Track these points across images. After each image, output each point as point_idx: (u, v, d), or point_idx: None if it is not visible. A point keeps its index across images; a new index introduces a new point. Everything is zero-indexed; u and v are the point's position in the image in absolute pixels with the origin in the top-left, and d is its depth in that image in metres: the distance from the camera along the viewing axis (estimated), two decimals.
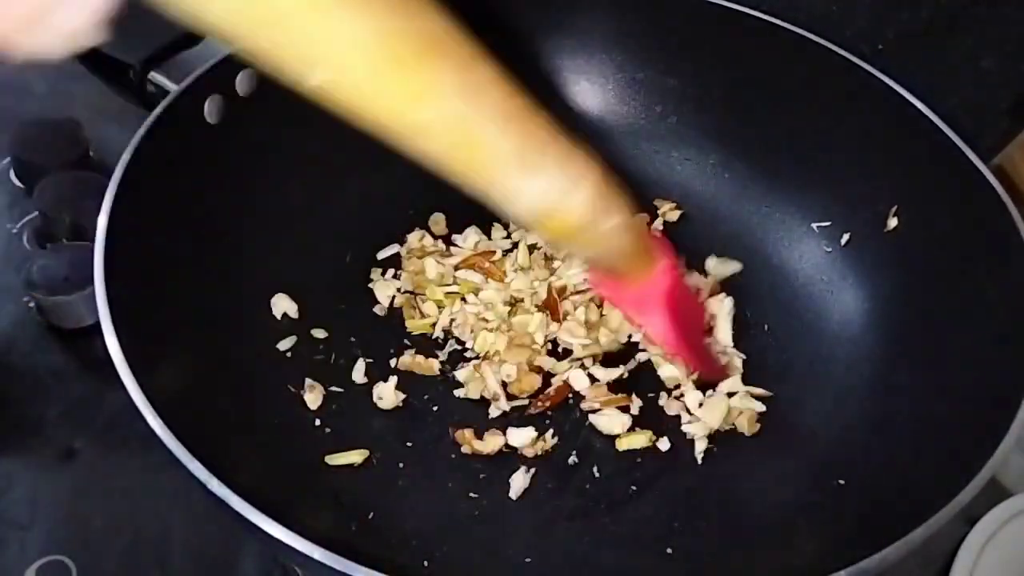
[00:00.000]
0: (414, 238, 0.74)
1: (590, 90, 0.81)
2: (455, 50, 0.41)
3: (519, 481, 0.61)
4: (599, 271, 0.59)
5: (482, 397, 0.65)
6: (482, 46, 0.42)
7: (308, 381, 0.64)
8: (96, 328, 0.68)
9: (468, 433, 0.62)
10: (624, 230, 0.51)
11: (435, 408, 0.65)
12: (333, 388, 0.65)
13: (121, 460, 0.65)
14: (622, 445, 0.63)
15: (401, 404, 0.65)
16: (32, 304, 0.71)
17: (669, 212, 0.78)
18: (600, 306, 0.69)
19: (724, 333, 0.70)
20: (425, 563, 0.57)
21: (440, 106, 0.41)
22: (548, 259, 0.72)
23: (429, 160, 0.44)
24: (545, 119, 0.45)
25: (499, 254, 0.72)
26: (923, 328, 0.65)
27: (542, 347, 0.68)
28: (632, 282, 0.57)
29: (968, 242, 0.65)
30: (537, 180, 0.45)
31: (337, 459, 0.61)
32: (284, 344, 0.66)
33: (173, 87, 0.65)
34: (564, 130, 0.47)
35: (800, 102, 0.75)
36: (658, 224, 0.77)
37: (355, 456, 0.61)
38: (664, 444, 0.64)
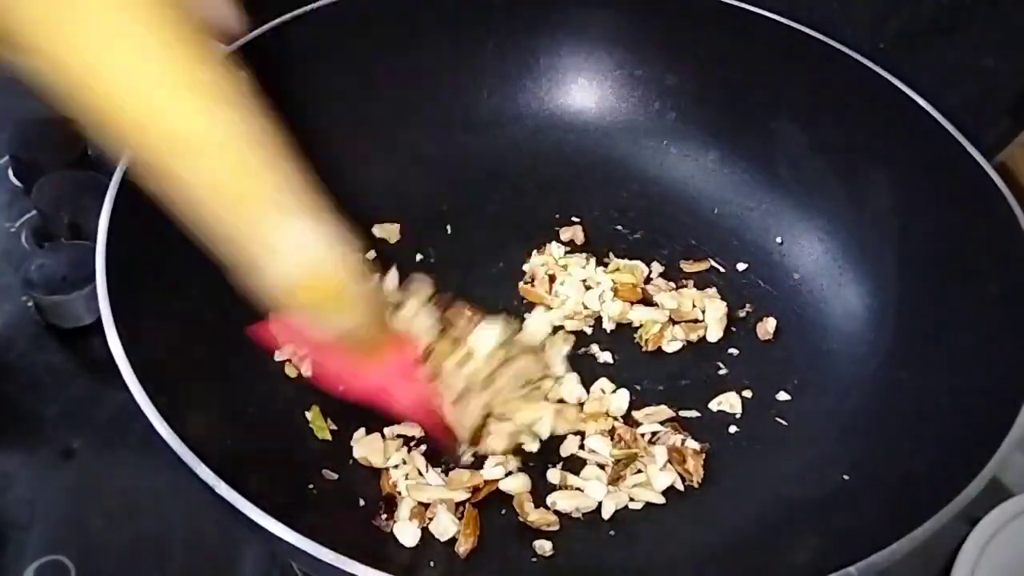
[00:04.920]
0: None
1: (588, 87, 0.81)
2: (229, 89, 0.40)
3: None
4: (334, 354, 0.55)
5: None
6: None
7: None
8: (95, 327, 0.69)
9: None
10: (374, 295, 0.50)
11: None
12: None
13: (120, 460, 0.65)
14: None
15: None
16: (31, 303, 0.71)
17: None
18: None
19: (714, 335, 0.70)
20: (432, 564, 0.57)
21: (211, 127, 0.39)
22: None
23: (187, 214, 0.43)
24: (306, 178, 0.43)
25: None
26: (924, 326, 0.65)
27: None
28: (372, 358, 0.54)
29: (970, 239, 0.65)
30: (298, 231, 0.43)
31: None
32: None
33: None
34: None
35: (800, 99, 0.75)
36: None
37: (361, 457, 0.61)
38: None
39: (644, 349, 0.69)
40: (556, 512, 0.59)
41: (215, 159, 0.40)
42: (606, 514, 0.60)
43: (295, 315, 0.48)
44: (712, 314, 0.70)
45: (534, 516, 0.59)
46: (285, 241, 0.42)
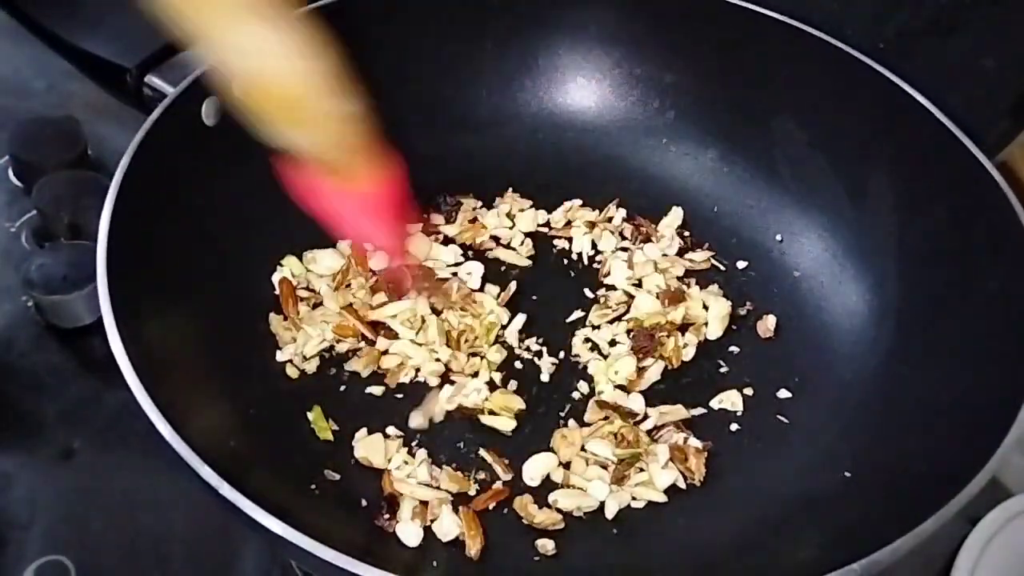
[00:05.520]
0: None
1: (587, 86, 0.81)
2: None
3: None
4: (308, 167, 0.53)
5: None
6: None
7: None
8: (95, 327, 0.69)
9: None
10: (347, 120, 0.48)
11: None
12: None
13: (120, 460, 0.65)
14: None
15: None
16: (30, 303, 0.71)
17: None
18: None
19: (714, 333, 0.70)
20: (435, 563, 0.57)
21: None
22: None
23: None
24: None
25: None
26: (925, 324, 0.65)
27: None
28: (343, 183, 0.52)
29: (971, 237, 0.65)
30: (266, 29, 0.43)
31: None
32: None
33: (170, 90, 0.65)
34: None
35: (800, 97, 0.75)
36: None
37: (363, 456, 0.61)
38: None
39: (671, 368, 0.68)
40: (558, 510, 0.60)
41: None
42: (609, 514, 0.60)
43: (258, 120, 0.48)
44: (715, 312, 0.70)
45: (540, 517, 0.59)
46: (250, 42, 0.42)
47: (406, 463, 0.61)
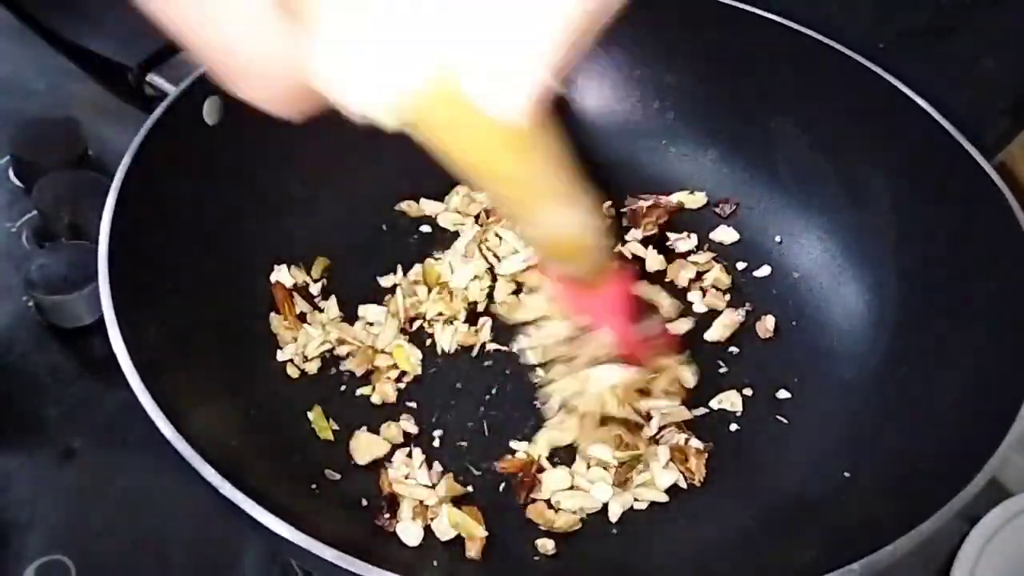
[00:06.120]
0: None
1: (587, 87, 0.81)
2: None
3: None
4: (565, 282, 0.61)
5: None
6: None
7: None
8: (95, 327, 0.69)
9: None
10: (604, 250, 0.57)
11: None
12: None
13: (121, 460, 0.65)
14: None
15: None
16: (31, 303, 0.71)
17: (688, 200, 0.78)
18: None
19: (714, 334, 0.70)
20: (435, 563, 0.57)
21: (525, 165, 0.48)
22: None
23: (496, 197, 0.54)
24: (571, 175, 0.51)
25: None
26: (924, 325, 0.65)
27: None
28: (591, 288, 0.60)
29: (970, 237, 0.65)
30: (566, 213, 0.52)
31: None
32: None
33: (171, 89, 0.65)
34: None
35: (799, 98, 0.75)
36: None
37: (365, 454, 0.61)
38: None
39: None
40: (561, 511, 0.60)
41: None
42: (613, 517, 0.60)
43: (547, 258, 0.60)
44: (723, 319, 0.71)
45: (560, 522, 0.59)
46: (556, 221, 0.52)
47: (404, 464, 0.61)
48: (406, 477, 0.60)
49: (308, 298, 0.70)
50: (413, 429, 0.63)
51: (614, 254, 0.59)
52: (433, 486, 0.60)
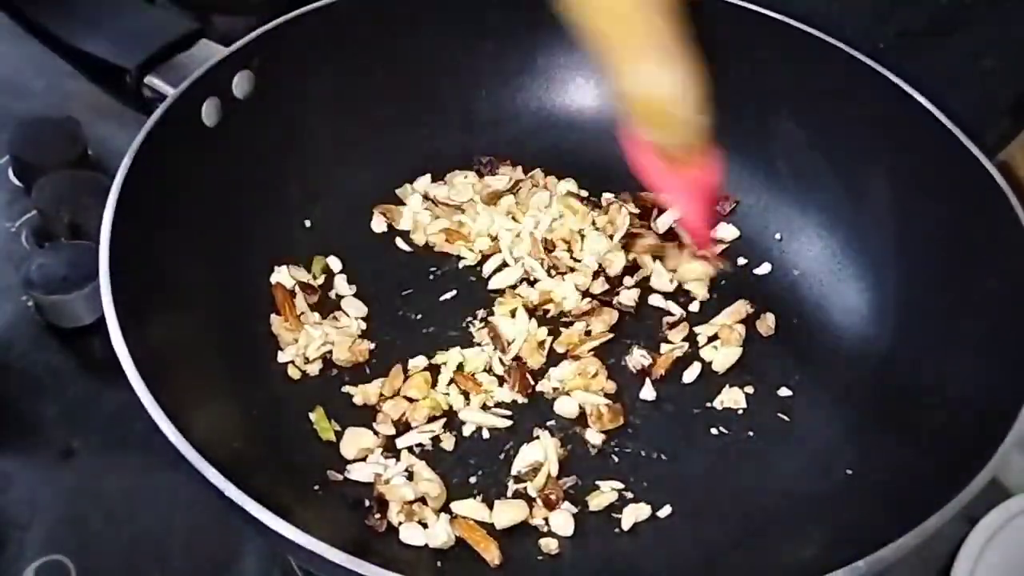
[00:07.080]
0: None
1: (586, 86, 0.81)
2: None
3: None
4: (653, 154, 0.62)
5: None
6: None
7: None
8: (95, 327, 0.69)
9: None
10: (699, 126, 0.57)
11: None
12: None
13: (120, 460, 0.65)
14: None
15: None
16: (30, 303, 0.71)
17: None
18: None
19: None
20: (438, 563, 0.57)
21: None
22: None
23: (593, 37, 0.55)
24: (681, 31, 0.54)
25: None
26: (924, 323, 0.66)
27: None
28: (676, 164, 0.60)
29: (971, 236, 0.65)
30: (664, 72, 0.54)
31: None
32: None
33: (170, 91, 0.65)
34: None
35: (799, 96, 0.75)
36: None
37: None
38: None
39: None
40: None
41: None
42: (626, 526, 0.60)
43: (636, 121, 0.59)
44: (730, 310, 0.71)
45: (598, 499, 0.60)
46: (652, 79, 0.54)
47: (385, 465, 0.61)
48: (390, 479, 0.60)
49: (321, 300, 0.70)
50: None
51: (708, 133, 0.58)
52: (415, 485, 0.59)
